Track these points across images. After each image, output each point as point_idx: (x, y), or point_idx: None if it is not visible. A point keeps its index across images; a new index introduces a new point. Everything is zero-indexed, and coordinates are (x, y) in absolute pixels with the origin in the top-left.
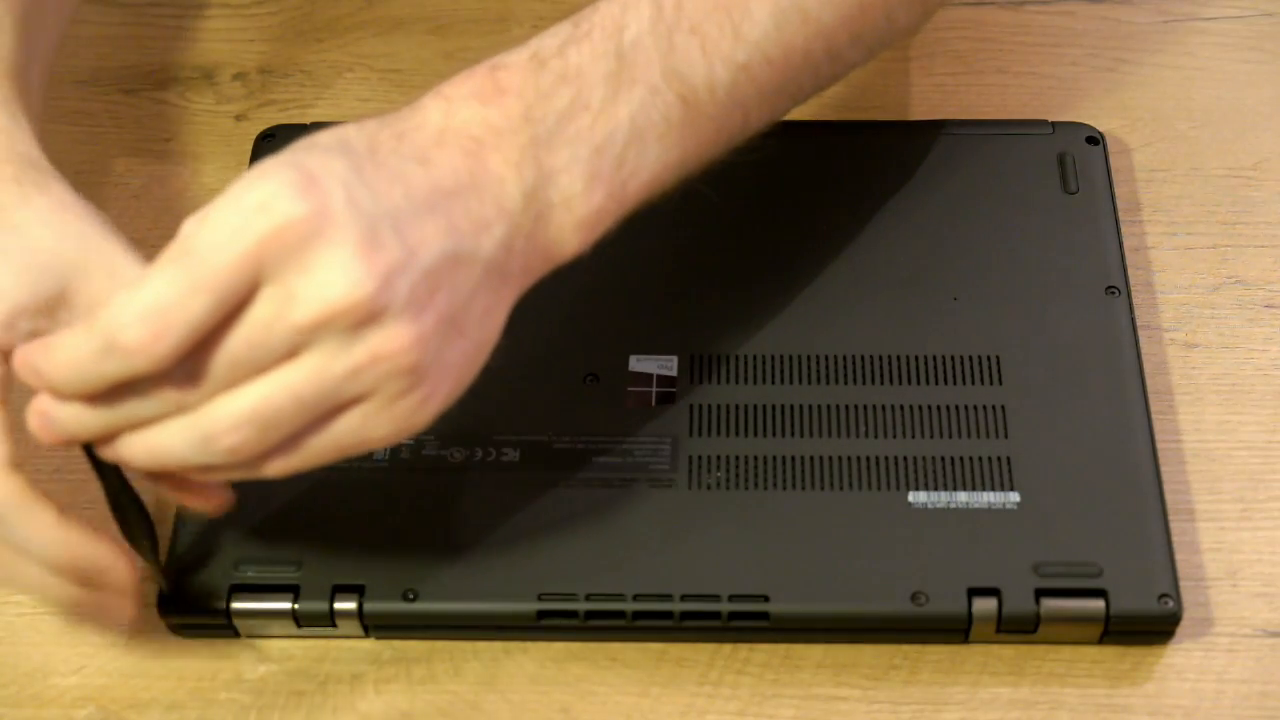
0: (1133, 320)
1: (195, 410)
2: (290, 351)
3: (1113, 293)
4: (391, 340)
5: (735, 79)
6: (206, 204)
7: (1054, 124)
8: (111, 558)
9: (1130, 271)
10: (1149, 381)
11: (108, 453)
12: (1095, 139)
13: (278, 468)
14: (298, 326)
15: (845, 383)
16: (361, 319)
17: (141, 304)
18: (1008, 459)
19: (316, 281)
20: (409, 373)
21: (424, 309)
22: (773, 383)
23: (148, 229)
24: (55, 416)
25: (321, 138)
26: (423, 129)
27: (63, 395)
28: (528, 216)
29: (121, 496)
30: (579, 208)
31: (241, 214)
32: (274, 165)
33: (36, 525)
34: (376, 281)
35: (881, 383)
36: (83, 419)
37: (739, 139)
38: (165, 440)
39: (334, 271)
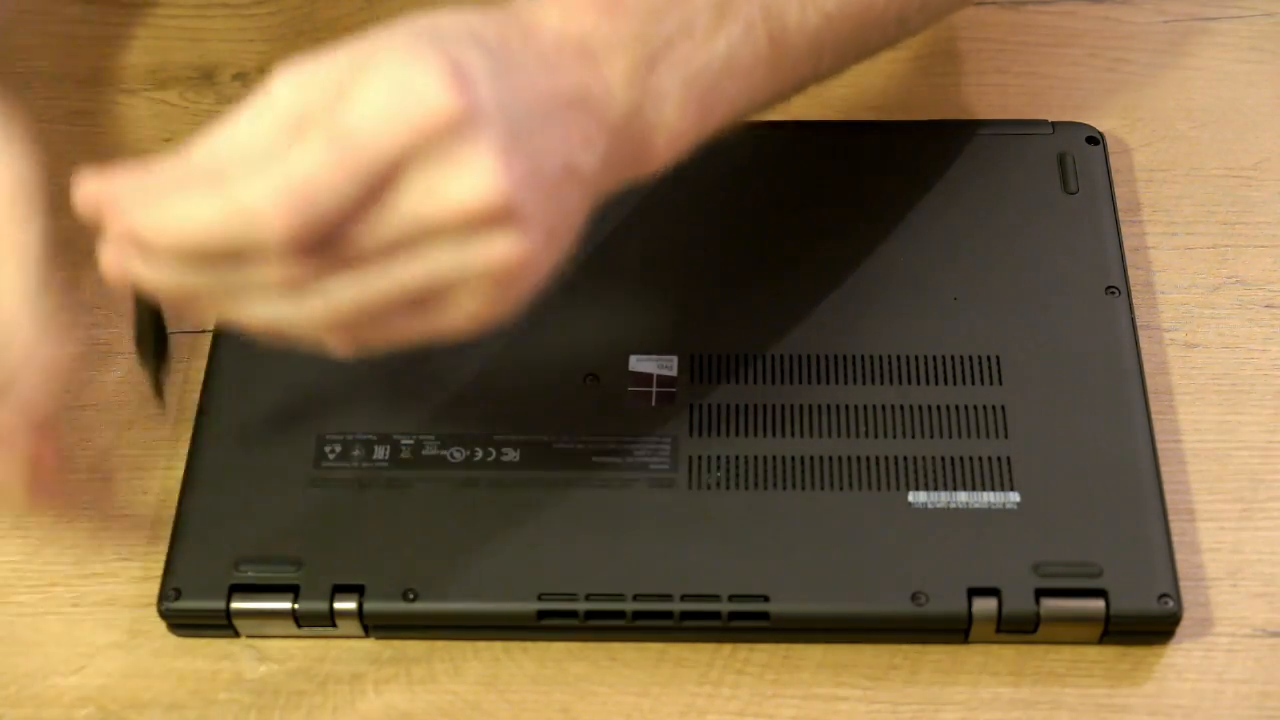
0: (1133, 320)
1: (302, 288)
2: (411, 241)
3: (1113, 293)
4: (511, 248)
5: (820, 26)
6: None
7: (1054, 124)
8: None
9: (1130, 271)
10: (1149, 381)
11: (193, 306)
12: (1095, 139)
13: (348, 341)
14: (430, 224)
15: (845, 383)
16: (490, 221)
17: (284, 175)
18: (1008, 459)
19: (458, 180)
20: (513, 280)
21: (540, 221)
22: (773, 383)
23: None
24: (139, 270)
25: (444, 22)
26: (543, 31)
27: (158, 249)
28: (625, 135)
29: (150, 328)
30: (668, 131)
31: (393, 96)
32: (415, 46)
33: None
34: (510, 186)
35: (881, 383)
36: (174, 276)
37: (805, 86)
38: (264, 308)
39: (476, 173)
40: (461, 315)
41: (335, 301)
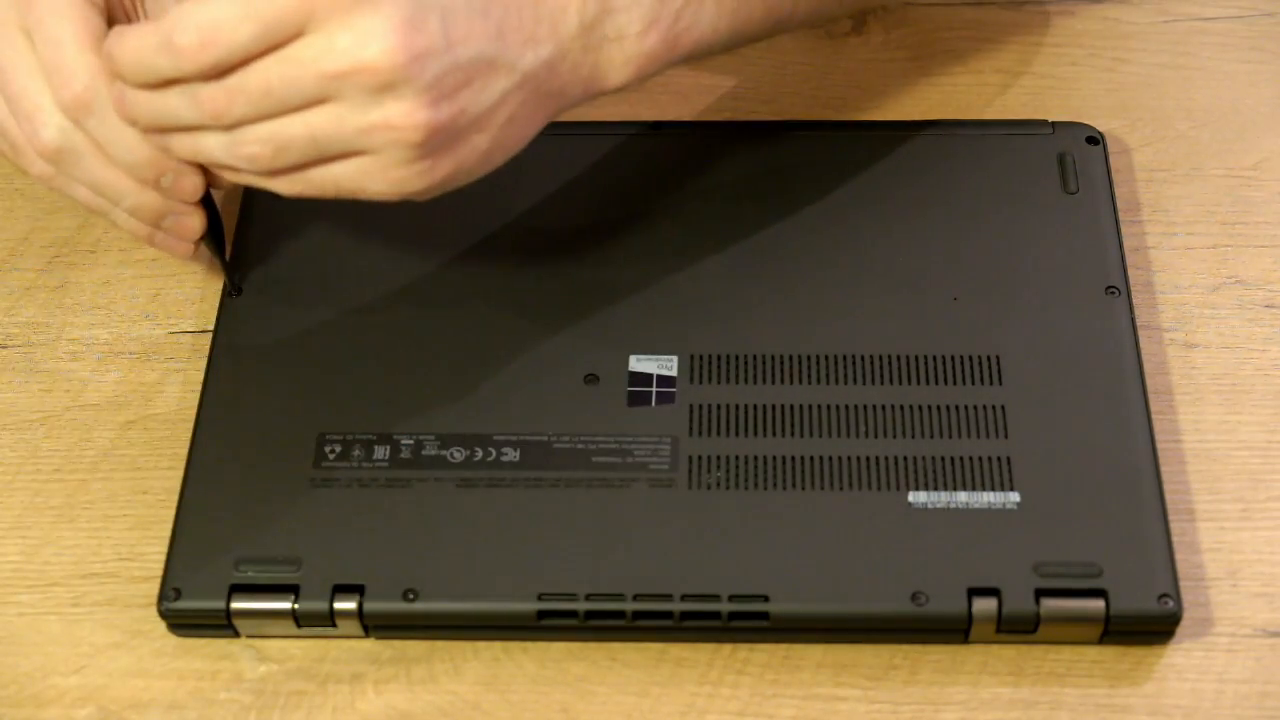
0: (1133, 320)
1: (224, 119)
2: (317, 98)
3: (1113, 293)
4: (405, 115)
5: None
6: None
7: (1054, 124)
8: (183, 164)
9: (1130, 271)
10: (1149, 381)
11: (159, 142)
12: (1095, 139)
13: (284, 185)
14: (325, 73)
15: (845, 383)
16: (382, 84)
17: (200, 16)
18: (1008, 459)
19: (352, 39)
20: (413, 147)
21: (445, 98)
22: (773, 383)
23: None
24: (126, 98)
25: None
26: None
27: (128, 82)
28: (578, 44)
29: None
30: (630, 47)
31: None
32: None
33: (119, 121)
34: (405, 56)
35: (881, 383)
36: (145, 107)
37: (781, 28)
38: (203, 141)
39: (371, 35)
40: (377, 176)
41: (256, 137)
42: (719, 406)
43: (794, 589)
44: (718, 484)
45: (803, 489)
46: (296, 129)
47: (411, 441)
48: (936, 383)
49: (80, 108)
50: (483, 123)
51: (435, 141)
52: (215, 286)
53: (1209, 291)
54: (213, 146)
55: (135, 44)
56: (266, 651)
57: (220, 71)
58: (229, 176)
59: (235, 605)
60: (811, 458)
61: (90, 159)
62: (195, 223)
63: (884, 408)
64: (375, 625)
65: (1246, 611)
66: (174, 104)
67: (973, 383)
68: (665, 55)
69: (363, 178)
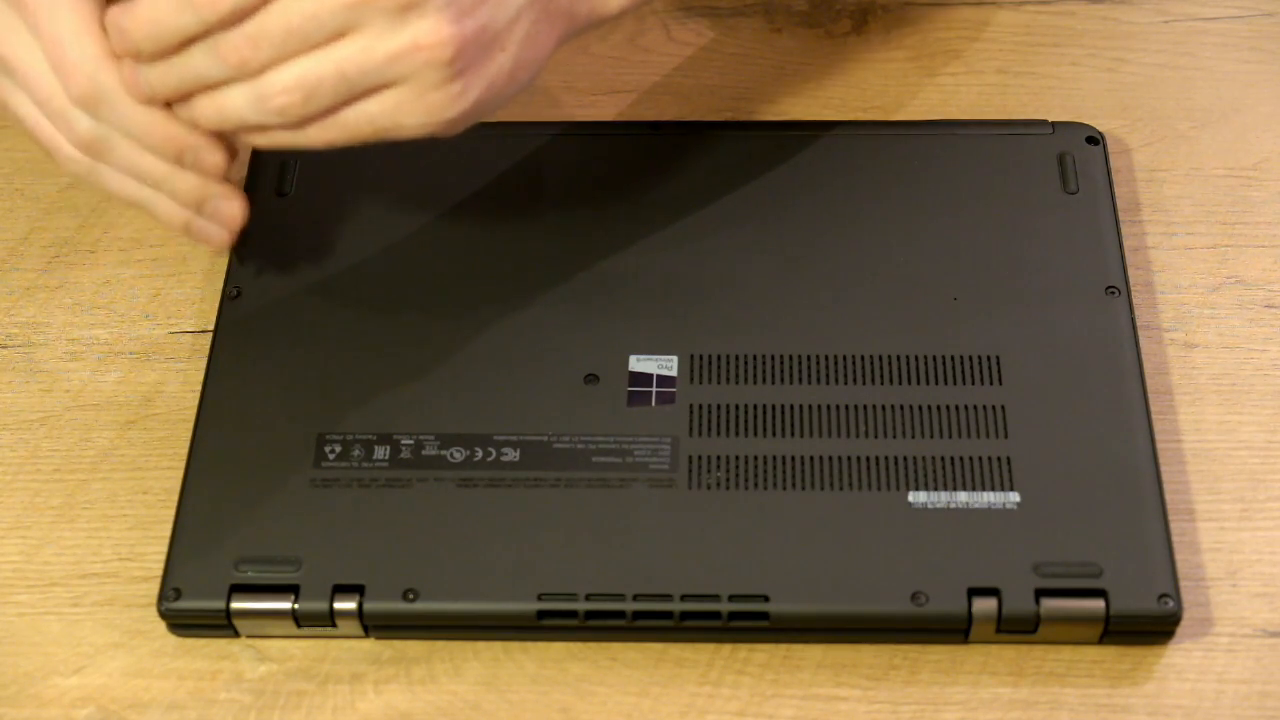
0: (1133, 320)
1: (254, 76)
2: (341, 31)
3: (1113, 293)
4: (432, 32)
5: None
6: None
7: (1054, 124)
8: (203, 138)
9: (1130, 271)
10: (1149, 381)
11: (183, 113)
12: (1095, 139)
13: (318, 135)
14: (346, 1)
15: (845, 383)
16: (404, 5)
17: None
18: (1008, 459)
19: None
20: (445, 66)
21: (466, 15)
22: (773, 383)
23: (148, 229)
24: (139, 75)
25: None
26: None
27: (145, 55)
28: None
29: None
30: None
31: None
32: None
33: (131, 106)
34: None
35: (881, 383)
36: (164, 75)
37: None
38: (229, 99)
39: None
40: (410, 108)
41: (283, 86)
42: (719, 406)
43: (794, 589)
44: (718, 484)
45: (803, 489)
46: (325, 68)
47: (411, 441)
48: (936, 383)
49: (89, 99)
50: (504, 39)
51: (464, 60)
52: (215, 286)
53: (1209, 291)
54: (240, 105)
55: (149, 8)
56: (266, 651)
57: (239, 17)
58: (260, 139)
59: (235, 605)
60: (811, 458)
61: (124, 146)
62: (235, 209)
63: (884, 408)
64: (375, 625)
65: (1246, 611)
66: (195, 62)
67: (973, 383)
68: None
69: (397, 112)
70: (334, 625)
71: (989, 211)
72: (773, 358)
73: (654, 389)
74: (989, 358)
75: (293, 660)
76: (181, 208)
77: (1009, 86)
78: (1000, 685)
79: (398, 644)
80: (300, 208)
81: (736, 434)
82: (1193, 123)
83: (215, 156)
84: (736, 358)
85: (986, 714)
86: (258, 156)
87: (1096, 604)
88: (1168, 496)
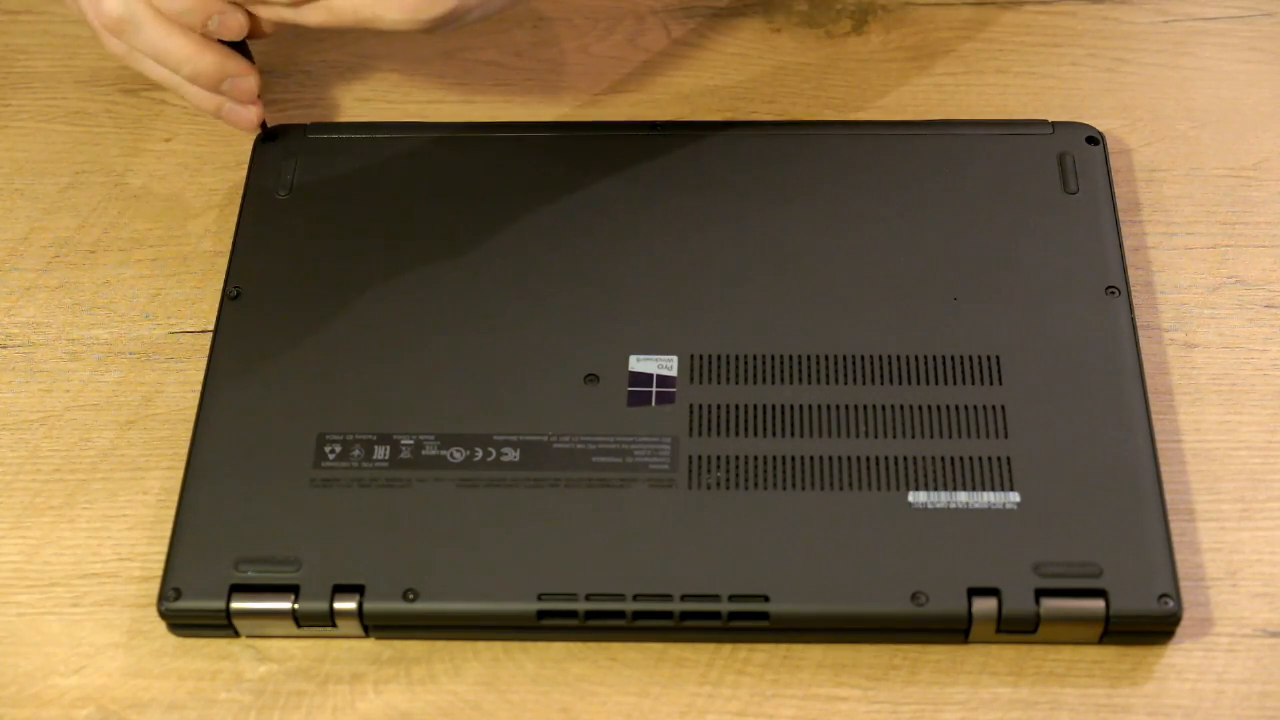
0: (1133, 320)
1: None
2: None
3: (1112, 293)
4: None
5: None
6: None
7: (1054, 124)
8: (225, 3)
9: (1130, 271)
10: (1149, 381)
11: None
12: (1095, 139)
13: (309, 14)
14: None
15: (845, 383)
16: None
17: None
18: (1008, 459)
19: None
20: None
21: None
22: (773, 383)
23: (148, 229)
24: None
25: None
26: None
27: None
28: None
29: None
30: None
31: None
32: None
33: (166, 35)
34: None
35: (881, 383)
36: None
37: None
38: None
39: None
40: (389, 2)
41: None
42: (719, 406)
43: (794, 589)
44: (718, 484)
45: (803, 489)
46: None
47: (411, 441)
48: (936, 383)
49: None
50: None
51: None
52: (215, 286)
53: (1209, 291)
54: None
55: None
56: (266, 651)
57: None
58: (264, 11)
59: (235, 605)
60: (811, 458)
61: (150, 27)
62: (250, 83)
63: (884, 408)
64: (375, 625)
65: (1246, 611)
66: None
67: (972, 383)
68: None
69: (377, 4)
70: (334, 625)
71: (989, 211)
72: (773, 358)
73: (654, 389)
74: (989, 358)
75: (293, 660)
76: (210, 93)
77: (1009, 86)
78: (1000, 685)
79: (398, 644)
80: (300, 208)
81: (736, 434)
82: (1193, 123)
83: (237, 19)
84: (736, 358)
85: (986, 714)
86: (258, 156)
87: (1096, 604)
88: (1168, 496)
